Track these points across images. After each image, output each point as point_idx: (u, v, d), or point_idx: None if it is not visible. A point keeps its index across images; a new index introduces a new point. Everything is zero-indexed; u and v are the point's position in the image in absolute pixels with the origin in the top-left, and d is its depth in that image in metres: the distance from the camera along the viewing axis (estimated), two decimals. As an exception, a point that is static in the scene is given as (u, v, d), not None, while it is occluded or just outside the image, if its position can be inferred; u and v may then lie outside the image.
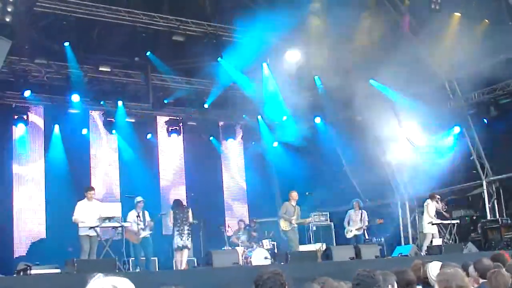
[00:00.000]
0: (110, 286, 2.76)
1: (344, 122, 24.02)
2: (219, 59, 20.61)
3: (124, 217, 16.19)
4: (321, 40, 19.99)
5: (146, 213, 16.64)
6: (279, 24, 18.35)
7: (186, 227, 15.46)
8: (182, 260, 15.46)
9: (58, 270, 12.57)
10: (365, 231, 19.86)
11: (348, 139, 23.15)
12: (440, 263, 7.01)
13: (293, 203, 17.15)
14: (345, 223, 19.44)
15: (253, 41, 18.93)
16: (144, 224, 16.37)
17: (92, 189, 15.32)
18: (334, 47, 20.99)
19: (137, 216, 16.15)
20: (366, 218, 19.08)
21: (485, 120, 20.56)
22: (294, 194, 17.33)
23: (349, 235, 19.16)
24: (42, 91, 20.66)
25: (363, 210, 19.27)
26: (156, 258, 17.34)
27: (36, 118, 21.51)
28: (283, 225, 17.02)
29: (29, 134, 21.35)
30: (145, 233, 16.37)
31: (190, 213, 15.68)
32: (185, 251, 15.49)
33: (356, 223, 19.07)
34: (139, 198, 16.60)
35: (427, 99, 21.27)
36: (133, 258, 16.65)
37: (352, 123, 23.97)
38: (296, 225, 17.14)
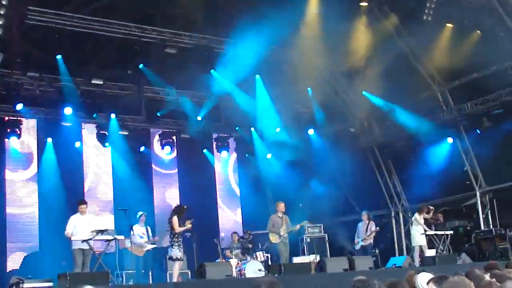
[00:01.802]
0: None
1: (337, 134, 24.09)
2: (212, 71, 20.64)
3: (126, 231, 16.12)
4: (313, 52, 20.03)
5: (149, 228, 16.73)
6: (271, 37, 18.39)
7: (180, 238, 15.37)
8: (177, 272, 15.37)
9: (51, 284, 12.53)
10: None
11: (341, 150, 23.17)
12: (429, 274, 6.97)
13: (280, 214, 17.13)
14: (356, 236, 19.38)
15: (245, 53, 18.94)
16: (148, 238, 16.43)
17: (85, 203, 15.24)
18: (326, 59, 21.08)
19: (133, 230, 16.17)
20: (373, 229, 18.96)
21: (478, 131, 20.59)
22: (281, 206, 17.31)
23: (357, 246, 19.13)
24: (34, 104, 20.56)
25: (371, 221, 19.20)
26: (150, 270, 17.28)
27: (29, 131, 21.45)
28: (272, 238, 17.00)
29: (21, 148, 21.29)
30: (150, 247, 16.45)
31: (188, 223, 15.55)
32: (180, 263, 15.41)
33: (362, 234, 19.03)
34: (140, 213, 16.67)
35: (420, 110, 21.37)
36: (128, 271, 16.65)
37: (346, 135, 24.06)
38: (286, 235, 17.06)
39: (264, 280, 5.22)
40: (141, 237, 16.29)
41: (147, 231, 16.61)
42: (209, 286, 12.57)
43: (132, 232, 16.16)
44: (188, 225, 15.06)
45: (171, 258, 15.21)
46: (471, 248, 19.91)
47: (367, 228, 19.02)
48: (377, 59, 19.40)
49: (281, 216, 17.07)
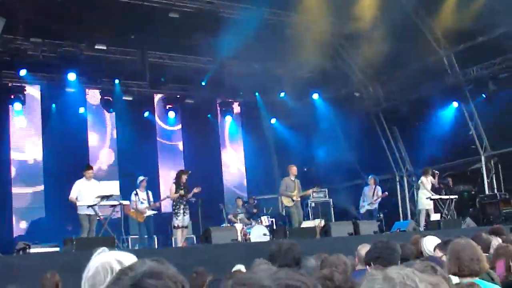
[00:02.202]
0: (115, 260, 2.74)
1: (342, 98, 24.03)
2: (215, 35, 20.50)
3: (128, 196, 16.15)
4: (316, 15, 19.84)
5: (150, 193, 16.66)
6: (276, 1, 18.26)
7: (184, 205, 15.38)
8: (181, 238, 15.44)
9: (57, 249, 12.59)
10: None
11: (346, 115, 23.13)
12: (435, 237, 7.00)
13: (292, 177, 16.98)
14: (361, 200, 19.44)
15: (249, 17, 18.79)
16: (149, 203, 16.42)
17: (91, 168, 15.27)
18: (332, 23, 20.92)
19: (135, 195, 16.14)
20: (379, 193, 19.02)
21: (484, 95, 20.49)
22: (294, 169, 17.14)
23: (362, 210, 19.21)
24: (38, 70, 20.54)
25: (377, 186, 19.24)
26: (155, 237, 17.34)
27: (33, 97, 21.43)
28: (285, 201, 16.84)
29: (26, 113, 21.29)
30: (150, 212, 16.44)
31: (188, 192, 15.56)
32: (185, 230, 15.46)
33: (369, 198, 19.08)
34: (141, 178, 16.62)
35: (425, 74, 21.25)
36: (133, 236, 16.72)
37: (350, 99, 23.98)
38: (299, 199, 17.00)
39: (284, 242, 5.23)
40: (141, 202, 16.25)
41: (147, 196, 16.52)
42: (215, 250, 12.62)
43: (132, 198, 16.16)
44: (180, 191, 15.12)
45: (174, 227, 15.35)
46: (476, 212, 19.96)
47: (373, 192, 19.06)
48: (382, 22, 19.20)
49: (293, 179, 16.96)
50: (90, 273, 2.73)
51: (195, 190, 15.32)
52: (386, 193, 19.26)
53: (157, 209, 17.54)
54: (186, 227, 15.38)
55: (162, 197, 18.98)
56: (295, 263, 4.92)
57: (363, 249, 6.29)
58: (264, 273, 1.81)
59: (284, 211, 21.49)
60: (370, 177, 19.59)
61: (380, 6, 19.29)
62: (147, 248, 15.51)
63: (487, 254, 6.33)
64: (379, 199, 19.12)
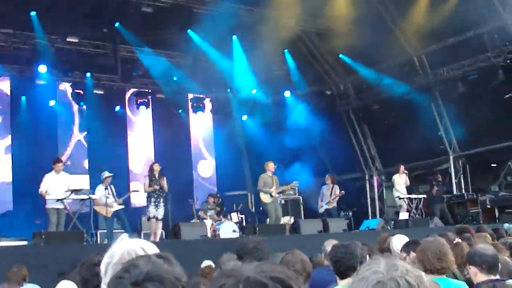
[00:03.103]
0: (139, 248, 2.73)
1: (313, 96, 24.14)
2: (188, 31, 20.46)
3: (92, 191, 16.00)
4: (291, 13, 19.92)
5: (112, 188, 16.41)
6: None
7: (161, 198, 15.31)
8: (156, 232, 15.37)
9: (25, 242, 12.51)
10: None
11: (317, 113, 23.24)
12: (404, 236, 7.08)
13: (270, 174, 16.89)
14: (319, 199, 19.37)
15: (223, 13, 18.79)
16: (114, 197, 16.23)
17: (60, 161, 15.14)
18: (304, 20, 21.00)
19: (105, 189, 15.96)
20: (337, 193, 19.00)
21: (453, 96, 20.70)
22: (271, 165, 17.02)
23: (321, 210, 19.08)
24: (8, 61, 20.34)
25: (335, 185, 19.24)
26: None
27: (3, 89, 21.21)
28: (263, 197, 16.63)
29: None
30: (117, 207, 16.23)
31: (164, 182, 15.48)
32: (159, 223, 15.39)
33: (327, 197, 19.03)
34: (106, 173, 16.40)
35: (396, 74, 21.42)
36: (102, 230, 16.62)
37: (322, 97, 24.11)
38: (277, 196, 16.92)
39: (251, 239, 5.27)
40: (107, 197, 15.99)
41: (111, 191, 16.27)
42: (184, 246, 12.62)
43: (100, 191, 15.93)
44: (155, 186, 15.08)
45: (148, 218, 15.32)
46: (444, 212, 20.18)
47: (331, 191, 19.04)
48: (355, 21, 19.31)
49: (271, 175, 16.90)
50: (116, 259, 2.68)
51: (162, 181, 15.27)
52: (343, 192, 19.26)
53: (125, 203, 17.36)
54: (160, 219, 15.28)
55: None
56: (261, 260, 4.95)
57: (329, 244, 6.36)
58: (248, 266, 1.84)
59: (253, 208, 21.58)
60: (327, 175, 19.56)
61: (352, 4, 19.40)
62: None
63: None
64: (337, 198, 19.10)
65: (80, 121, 22.83)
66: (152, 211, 15.05)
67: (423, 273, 1.96)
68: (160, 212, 15.17)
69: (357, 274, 2.01)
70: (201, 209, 19.21)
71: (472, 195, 19.88)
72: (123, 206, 16.52)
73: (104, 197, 15.74)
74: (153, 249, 2.76)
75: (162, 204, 15.22)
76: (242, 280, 1.78)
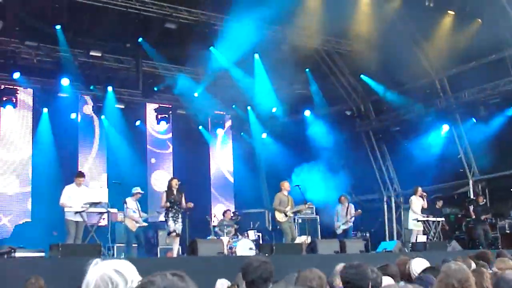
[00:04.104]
0: (112, 270, 2.72)
1: (333, 116, 24.12)
2: (210, 48, 20.56)
3: (117, 204, 16.07)
4: (313, 32, 19.97)
5: (139, 205, 16.59)
6: (271, 15, 18.31)
7: (179, 214, 15.29)
8: (174, 247, 15.36)
9: (42, 254, 12.54)
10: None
11: (337, 133, 23.21)
12: (423, 259, 7.03)
13: (285, 193, 16.84)
14: (335, 219, 19.31)
15: (245, 31, 18.85)
16: (140, 214, 16.36)
17: (82, 175, 15.11)
18: (326, 40, 21.03)
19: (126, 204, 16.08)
20: (352, 212, 18.95)
21: (474, 119, 20.63)
22: (286, 185, 17.02)
23: (338, 231, 19.00)
24: (31, 73, 20.52)
25: (350, 204, 19.16)
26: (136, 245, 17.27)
27: (25, 100, 21.41)
28: (278, 216, 16.58)
29: (17, 117, 21.25)
30: (142, 224, 16.38)
31: (183, 198, 15.46)
32: (177, 238, 15.36)
33: (343, 218, 18.97)
34: (138, 189, 16.54)
35: (417, 96, 21.39)
36: (119, 244, 16.68)
37: (342, 117, 24.07)
38: (292, 215, 16.88)
39: (256, 258, 5.27)
40: (133, 211, 16.21)
41: (137, 206, 16.49)
42: (201, 262, 12.61)
43: (126, 205, 16.09)
44: (166, 204, 15.08)
45: (168, 233, 15.29)
46: (462, 236, 20.05)
47: (347, 211, 18.98)
48: (377, 43, 19.33)
49: (286, 195, 16.87)
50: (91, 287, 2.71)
51: (188, 205, 15.26)
52: (360, 210, 19.20)
53: (146, 220, 17.46)
54: (178, 234, 15.26)
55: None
56: (264, 280, 4.99)
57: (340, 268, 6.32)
58: None
59: (270, 226, 21.52)
60: (341, 196, 19.47)
61: (375, 26, 19.41)
62: (133, 257, 15.43)
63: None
64: (353, 218, 19.03)
65: (100, 134, 22.96)
66: (171, 225, 15.02)
67: None
68: (178, 227, 15.16)
69: None
70: (219, 226, 19.17)
71: (491, 220, 19.71)
72: (146, 224, 16.62)
73: (134, 211, 15.91)
74: (128, 268, 2.74)
75: (180, 220, 15.21)
76: None
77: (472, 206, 19.81)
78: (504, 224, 19.36)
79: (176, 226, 15.05)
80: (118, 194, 16.47)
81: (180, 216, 15.21)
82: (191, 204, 15.26)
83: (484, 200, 19.63)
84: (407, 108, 21.98)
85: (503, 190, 20.89)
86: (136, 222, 16.12)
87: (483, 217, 19.11)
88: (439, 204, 19.95)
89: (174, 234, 15.02)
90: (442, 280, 5.25)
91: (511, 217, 19.89)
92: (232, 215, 20.01)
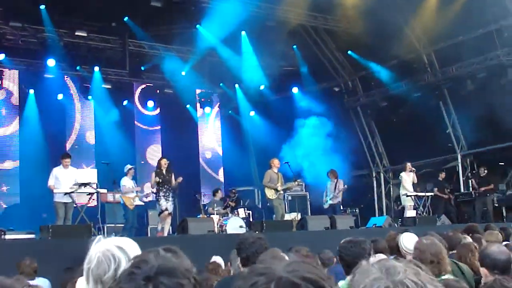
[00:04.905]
0: (115, 247, 2.72)
1: (321, 93, 24.07)
2: (197, 26, 20.44)
3: (105, 184, 16.01)
4: (300, 9, 19.89)
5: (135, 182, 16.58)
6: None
7: (170, 193, 15.25)
8: (165, 226, 15.34)
9: (33, 236, 12.53)
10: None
11: (325, 109, 23.17)
12: (413, 234, 7.06)
13: (275, 170, 16.89)
14: (324, 194, 19.32)
15: (232, 9, 18.74)
16: (135, 192, 16.34)
17: (69, 156, 15.07)
18: (313, 16, 20.94)
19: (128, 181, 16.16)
20: (341, 187, 18.90)
21: (462, 94, 20.63)
22: (276, 162, 17.03)
23: (325, 205, 19.06)
24: (17, 55, 20.36)
25: (339, 179, 19.15)
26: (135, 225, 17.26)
27: (11, 81, 21.26)
28: (269, 193, 16.62)
29: (3, 98, 21.12)
30: (138, 202, 16.36)
31: (172, 178, 15.42)
32: (169, 217, 15.34)
33: (332, 192, 18.96)
34: (128, 166, 16.55)
35: (405, 72, 21.38)
36: (109, 225, 16.69)
37: (330, 94, 24.04)
38: (282, 192, 16.91)
39: (251, 234, 5.29)
40: (132, 191, 16.17)
41: (134, 185, 16.50)
42: (191, 241, 12.62)
43: (123, 184, 16.09)
44: (156, 178, 15.02)
45: (159, 213, 15.26)
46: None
47: (335, 186, 18.97)
48: (364, 18, 19.25)
49: (276, 172, 16.89)
50: (93, 264, 2.70)
51: (178, 180, 15.25)
52: (346, 186, 19.20)
53: (143, 198, 17.45)
54: (170, 213, 15.24)
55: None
56: (259, 256, 5.01)
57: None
58: (280, 264, 1.83)
59: (260, 204, 21.56)
60: (330, 171, 19.44)
61: (362, 1, 19.33)
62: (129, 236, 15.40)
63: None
64: (341, 193, 19.01)
65: (87, 115, 22.85)
66: (163, 204, 15.00)
67: (419, 270, 1.94)
68: (170, 206, 15.14)
69: (353, 279, 1.98)
70: (209, 204, 19.17)
71: (494, 193, 19.76)
72: (142, 203, 16.57)
73: (133, 188, 15.96)
74: (129, 244, 2.74)
75: (171, 199, 15.19)
76: (275, 279, 1.77)
77: (474, 179, 19.92)
78: (492, 198, 19.45)
79: (168, 204, 15.04)
80: (107, 174, 16.44)
81: (170, 195, 15.20)
82: (180, 179, 15.25)
83: (485, 171, 19.64)
84: (395, 83, 21.97)
85: (491, 164, 20.95)
86: (133, 200, 16.10)
87: (482, 189, 19.22)
88: (442, 176, 20.15)
89: (166, 212, 15.02)
90: (418, 256, 5.31)
91: (499, 191, 19.98)
92: (221, 195, 19.95)
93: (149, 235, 17.63)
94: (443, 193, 19.88)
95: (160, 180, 14.92)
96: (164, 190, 15.02)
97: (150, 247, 2.15)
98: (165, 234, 15.08)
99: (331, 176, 19.20)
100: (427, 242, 5.53)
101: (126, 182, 16.22)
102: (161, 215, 15.24)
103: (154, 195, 15.45)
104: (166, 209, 14.98)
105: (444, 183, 20.36)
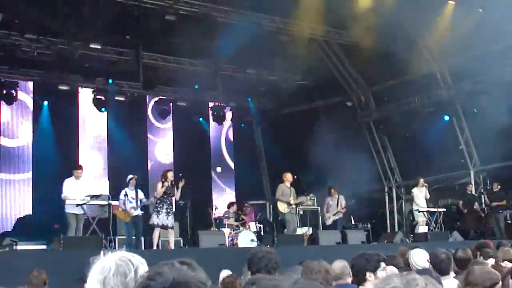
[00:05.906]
0: (129, 255, 2.68)
1: (334, 107, 24.08)
2: (211, 40, 20.49)
3: (117, 196, 15.90)
4: (314, 24, 19.91)
5: (139, 192, 16.23)
6: (272, 6, 18.27)
7: (172, 207, 15.08)
8: (170, 239, 15.20)
9: (44, 247, 12.57)
10: (352, 216, 19.85)
11: (338, 124, 23.15)
12: (423, 250, 7.03)
13: (288, 184, 16.89)
14: (324, 210, 19.07)
15: (246, 23, 18.79)
16: (137, 203, 15.95)
17: (80, 168, 15.12)
18: (327, 31, 20.98)
19: (125, 195, 15.79)
20: (343, 203, 18.69)
21: (475, 110, 20.57)
22: (289, 176, 17.00)
23: (328, 221, 18.79)
24: (31, 66, 20.49)
25: (340, 195, 18.96)
26: (142, 238, 17.17)
27: (25, 93, 21.38)
28: (281, 207, 16.58)
29: (17, 110, 21.24)
30: (137, 212, 15.96)
31: (177, 193, 15.21)
32: (171, 231, 15.17)
33: (334, 208, 18.76)
34: (130, 176, 16.36)
35: (418, 87, 21.35)
36: (120, 237, 16.59)
37: (342, 108, 24.04)
38: (294, 207, 16.88)
39: (261, 249, 5.30)
40: (130, 201, 15.82)
41: (136, 195, 16.10)
42: (202, 254, 12.62)
43: (121, 196, 15.71)
44: (166, 183, 14.80)
45: (151, 224, 14.85)
46: (463, 226, 20.04)
47: (337, 202, 18.77)
48: (378, 33, 19.25)
49: (289, 186, 16.88)
50: (113, 271, 2.62)
51: (180, 184, 15.03)
52: (354, 201, 19.07)
53: (145, 209, 17.25)
54: (172, 227, 15.08)
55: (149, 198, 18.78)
56: (268, 270, 5.01)
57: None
58: (287, 281, 1.84)
59: (272, 218, 21.53)
60: (331, 186, 19.11)
61: (376, 17, 19.33)
62: (134, 250, 15.33)
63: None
64: (344, 209, 18.78)
65: (101, 127, 22.93)
66: (162, 218, 14.71)
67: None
68: (171, 221, 14.93)
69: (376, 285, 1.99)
70: (220, 217, 19.07)
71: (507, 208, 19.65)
72: (141, 212, 16.32)
73: (131, 201, 15.59)
74: (138, 259, 2.71)
75: (172, 213, 14.99)
76: None
77: (486, 194, 19.84)
78: (505, 214, 19.33)
79: (169, 219, 14.80)
80: (119, 185, 16.40)
81: (172, 210, 15.04)
82: (182, 182, 15.04)
83: (499, 187, 19.54)
84: (408, 99, 21.94)
85: (504, 180, 20.84)
86: (127, 211, 15.65)
87: (494, 204, 19.12)
88: (469, 188, 20.03)
89: (171, 231, 14.84)
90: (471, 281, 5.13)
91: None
92: (235, 208, 19.80)
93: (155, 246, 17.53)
94: (471, 208, 19.69)
95: (166, 192, 14.76)
96: (168, 202, 14.85)
97: (162, 259, 2.15)
98: (172, 246, 14.94)
99: (333, 192, 18.94)
100: (482, 269, 5.28)
101: (122, 195, 15.87)
102: (155, 232, 14.91)
103: (155, 205, 15.12)
104: (157, 224, 14.69)
105: (472, 197, 20.21)
